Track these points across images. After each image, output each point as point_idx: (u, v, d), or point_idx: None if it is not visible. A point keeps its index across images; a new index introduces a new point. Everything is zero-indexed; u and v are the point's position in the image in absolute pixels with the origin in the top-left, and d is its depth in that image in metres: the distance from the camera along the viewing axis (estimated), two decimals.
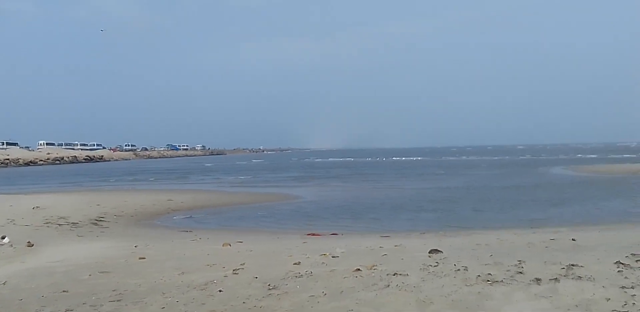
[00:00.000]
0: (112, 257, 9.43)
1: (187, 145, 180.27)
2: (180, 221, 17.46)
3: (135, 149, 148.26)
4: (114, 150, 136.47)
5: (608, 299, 5.27)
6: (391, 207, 20.10)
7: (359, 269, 7.05)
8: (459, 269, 6.80)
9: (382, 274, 6.74)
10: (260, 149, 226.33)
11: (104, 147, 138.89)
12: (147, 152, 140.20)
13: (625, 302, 5.17)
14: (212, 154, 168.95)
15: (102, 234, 13.69)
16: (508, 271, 6.59)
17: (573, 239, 9.76)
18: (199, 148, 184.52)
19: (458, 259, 7.58)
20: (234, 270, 7.49)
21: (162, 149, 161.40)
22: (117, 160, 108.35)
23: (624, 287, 5.64)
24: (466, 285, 6.01)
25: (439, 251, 8.37)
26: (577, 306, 5.13)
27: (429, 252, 8.27)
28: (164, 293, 6.47)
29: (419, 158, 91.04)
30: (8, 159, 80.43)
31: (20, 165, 79.54)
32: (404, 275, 6.62)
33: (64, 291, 6.76)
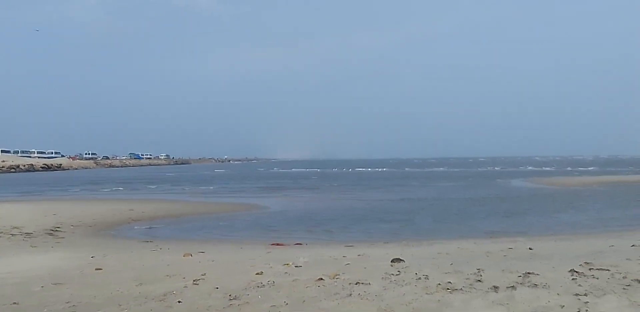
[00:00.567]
0: (67, 268, 9.10)
1: (150, 155, 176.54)
2: (140, 231, 17.03)
3: (96, 158, 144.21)
4: (74, 158, 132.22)
5: (562, 306, 5.42)
6: (355, 218, 20.20)
7: (321, 279, 7.03)
8: (420, 278, 6.87)
9: (344, 283, 6.74)
10: (225, 158, 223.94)
11: (62, 155, 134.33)
12: (109, 161, 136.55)
13: (578, 309, 5.33)
14: (176, 163, 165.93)
15: (58, 244, 13.20)
16: (467, 279, 6.70)
17: (530, 248, 10.04)
18: (162, 157, 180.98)
19: (419, 267, 7.67)
20: (194, 280, 7.34)
21: (124, 157, 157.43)
22: (76, 169, 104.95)
23: (578, 294, 5.81)
24: (427, 293, 6.08)
25: (401, 260, 8.46)
26: None
27: (392, 261, 8.34)
28: (120, 305, 6.27)
29: (384, 169, 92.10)
30: None
31: None
32: (366, 284, 6.64)
33: (14, 303, 6.47)
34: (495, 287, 6.20)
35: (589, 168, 78.11)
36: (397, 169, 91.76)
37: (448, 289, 6.23)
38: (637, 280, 6.30)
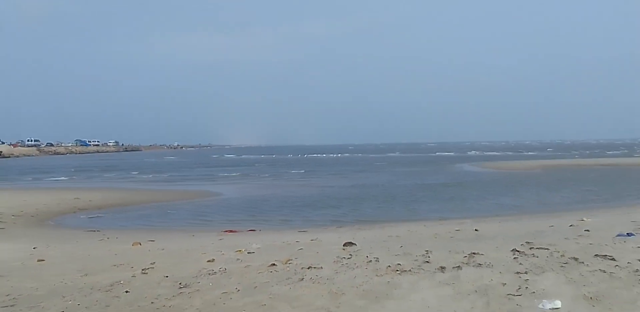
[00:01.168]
0: (7, 260, 8.68)
1: (98, 141, 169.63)
2: (87, 221, 16.45)
3: (39, 145, 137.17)
4: (15, 145, 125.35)
5: (504, 284, 5.66)
6: (309, 203, 20.30)
7: (274, 264, 7.03)
8: (370, 261, 6.99)
9: (296, 268, 6.77)
10: (178, 145, 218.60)
11: (2, 142, 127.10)
12: (53, 148, 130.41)
13: (519, 286, 5.58)
14: (126, 150, 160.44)
15: None
16: (416, 260, 6.88)
17: (476, 230, 10.42)
18: (111, 144, 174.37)
19: (370, 250, 7.80)
20: (142, 270, 7.17)
21: (70, 144, 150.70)
22: (18, 156, 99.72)
23: (519, 272, 6.08)
24: (377, 275, 6.19)
25: (353, 243, 8.58)
26: (476, 291, 5.47)
27: (343, 245, 8.45)
28: (64, 296, 6.05)
29: (339, 155, 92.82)
30: None
31: None
32: (318, 268, 6.70)
33: None
34: (442, 268, 6.40)
35: (531, 153, 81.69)
36: (351, 155, 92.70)
37: (397, 270, 6.37)
38: (574, 258, 6.65)
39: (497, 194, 22.06)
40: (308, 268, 6.71)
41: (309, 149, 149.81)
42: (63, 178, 38.77)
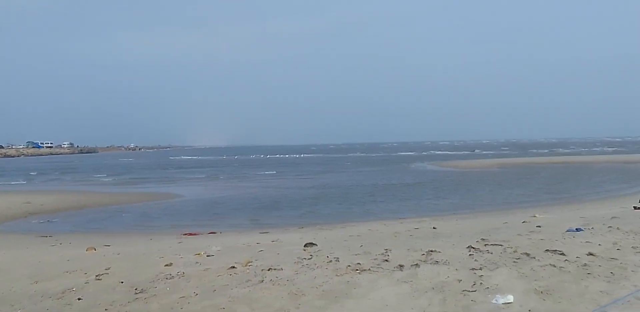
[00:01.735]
0: None
1: (51, 143, 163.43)
2: (38, 225, 15.81)
3: None
4: None
5: (460, 281, 5.80)
6: (271, 204, 20.21)
7: (233, 267, 6.96)
8: (331, 261, 7.02)
9: (257, 270, 6.72)
10: (136, 146, 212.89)
11: None
12: (3, 150, 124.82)
13: (474, 282, 5.73)
14: (81, 152, 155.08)
15: None
16: (375, 259, 6.95)
17: (434, 228, 10.64)
18: (65, 146, 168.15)
19: (331, 250, 7.83)
20: (97, 276, 6.95)
21: (21, 146, 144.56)
22: None
23: (474, 268, 6.24)
24: (337, 275, 6.22)
25: (313, 244, 8.58)
26: (433, 288, 5.58)
27: (304, 246, 8.44)
28: (12, 305, 5.80)
29: (302, 155, 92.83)
30: None
31: None
32: (279, 269, 6.67)
33: None
34: (401, 266, 6.50)
35: (488, 152, 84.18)
36: (314, 155, 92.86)
37: (357, 270, 6.42)
38: (526, 253, 6.88)
39: (455, 193, 22.60)
40: (268, 270, 6.67)
41: (272, 149, 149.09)
42: (15, 182, 37.10)
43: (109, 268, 7.43)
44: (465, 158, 60.25)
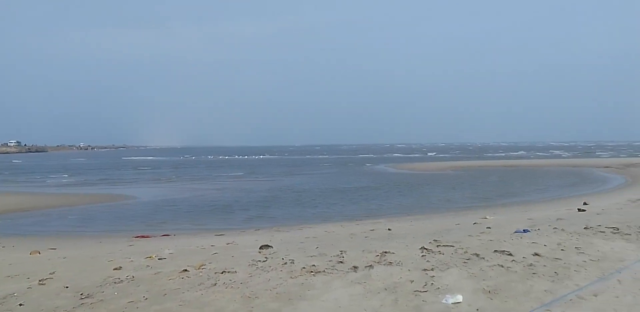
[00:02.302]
0: None
1: None
2: None
3: None
4: None
5: (412, 281, 5.90)
6: (227, 206, 19.96)
7: (186, 270, 6.81)
8: (286, 263, 6.99)
9: (210, 273, 6.61)
10: (89, 146, 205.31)
11: None
12: None
13: (425, 282, 5.84)
14: (29, 151, 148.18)
15: None
16: (330, 261, 6.97)
17: (389, 229, 10.79)
18: (12, 144, 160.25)
19: (287, 252, 7.80)
20: (40, 280, 6.64)
21: None
22: None
23: (426, 269, 6.36)
24: (291, 277, 6.20)
25: (269, 246, 8.53)
26: (386, 289, 5.65)
27: (260, 248, 8.38)
28: None
29: (261, 156, 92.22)
30: None
31: None
32: (232, 272, 6.58)
33: None
34: (355, 267, 6.54)
35: (447, 155, 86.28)
36: (275, 156, 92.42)
37: (312, 272, 6.42)
38: (476, 254, 7.08)
39: (410, 195, 23.02)
40: (222, 273, 6.57)
41: (230, 150, 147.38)
42: None
43: (53, 272, 7.13)
44: (421, 161, 61.52)
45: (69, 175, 42.40)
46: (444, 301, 5.14)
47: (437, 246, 7.79)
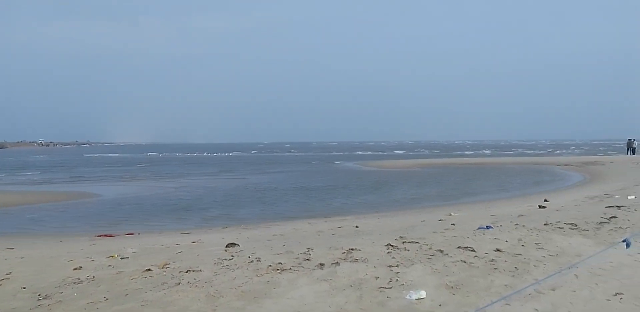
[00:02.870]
0: None
1: None
2: None
3: None
4: None
5: (377, 278, 5.96)
6: (195, 204, 19.69)
7: (149, 269, 6.69)
8: (252, 261, 6.95)
9: (174, 272, 6.51)
10: (51, 142, 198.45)
11: None
12: None
13: (390, 279, 5.91)
14: None
15: None
16: (297, 258, 6.97)
17: (356, 226, 10.86)
18: None
19: (253, 250, 7.76)
20: None
21: None
22: None
23: (391, 266, 6.44)
24: (257, 275, 6.17)
25: (235, 244, 8.47)
26: (351, 286, 5.69)
27: (226, 246, 8.31)
28: None
29: (230, 154, 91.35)
30: None
31: None
32: (197, 271, 6.50)
33: None
34: (321, 265, 6.56)
35: (411, 153, 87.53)
36: (245, 153, 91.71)
37: (278, 269, 6.41)
38: (440, 250, 7.21)
39: (378, 192, 23.23)
40: (186, 272, 6.48)
41: (198, 147, 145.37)
42: None
43: (10, 273, 6.89)
44: (389, 158, 62.17)
45: (30, 172, 40.97)
46: (407, 297, 5.22)
47: (403, 242, 7.89)
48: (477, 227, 9.09)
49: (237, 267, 6.62)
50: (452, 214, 12.46)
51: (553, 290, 5.47)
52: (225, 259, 7.17)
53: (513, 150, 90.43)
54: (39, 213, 17.29)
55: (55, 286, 6.13)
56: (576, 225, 9.01)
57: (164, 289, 5.77)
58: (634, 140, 47.97)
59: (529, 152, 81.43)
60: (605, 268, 6.30)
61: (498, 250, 7.13)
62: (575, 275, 6.01)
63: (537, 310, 4.90)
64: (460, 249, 7.17)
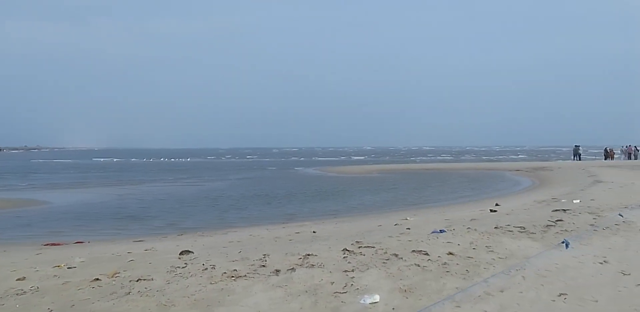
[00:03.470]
0: None
1: None
2: None
3: None
4: None
5: (332, 283, 5.97)
6: (148, 212, 19.19)
7: (97, 279, 6.45)
8: (206, 268, 6.83)
9: (124, 281, 6.30)
10: None
11: None
12: None
13: (345, 284, 5.94)
14: None
15: None
16: (252, 265, 6.90)
17: (314, 232, 10.86)
18: None
19: (208, 257, 7.62)
20: None
21: None
22: None
23: (347, 270, 6.47)
24: (211, 283, 6.06)
25: (190, 251, 8.30)
26: (306, 291, 5.67)
27: (180, 254, 8.12)
28: None
29: (188, 159, 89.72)
30: None
31: None
32: (149, 280, 6.33)
33: None
34: (277, 271, 6.52)
35: (367, 158, 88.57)
36: (203, 159, 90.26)
37: (233, 276, 6.32)
38: (395, 254, 7.31)
39: (337, 197, 23.36)
40: (137, 280, 6.29)
41: (155, 153, 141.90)
42: None
43: None
44: (349, 164, 62.69)
45: None
46: (361, 302, 5.26)
47: (359, 247, 7.96)
48: (431, 231, 9.28)
49: (191, 275, 6.49)
50: (408, 218, 12.67)
51: (502, 292, 5.64)
52: (179, 267, 7.01)
53: (467, 156, 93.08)
54: None
55: None
56: (524, 228, 9.35)
57: (112, 299, 5.58)
58: (580, 146, 50.44)
59: (483, 157, 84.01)
60: (551, 270, 6.56)
61: (451, 253, 7.30)
62: (523, 277, 6.22)
63: (486, 311, 5.04)
64: (415, 253, 7.29)
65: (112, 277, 6.56)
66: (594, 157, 56.95)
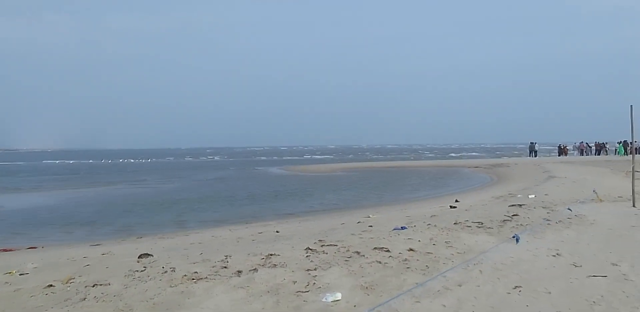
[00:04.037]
0: None
1: None
2: None
3: None
4: None
5: (295, 282, 5.96)
6: (108, 214, 18.66)
7: (51, 285, 6.22)
8: (166, 271, 6.69)
9: (79, 287, 6.10)
10: None
11: None
12: None
13: (308, 282, 5.94)
14: None
15: None
16: (214, 266, 6.80)
17: (277, 231, 10.82)
18: None
19: (168, 260, 7.47)
20: None
21: None
22: None
23: (309, 269, 6.48)
24: (170, 286, 5.95)
25: (149, 254, 8.11)
26: (268, 291, 5.64)
27: (139, 257, 7.92)
28: None
29: (151, 160, 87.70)
30: None
31: None
32: (105, 285, 6.14)
33: None
34: (239, 272, 6.46)
35: (330, 156, 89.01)
36: (163, 160, 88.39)
37: (193, 279, 6.21)
38: (357, 252, 7.37)
39: (301, 195, 23.36)
40: (93, 286, 6.10)
41: (114, 153, 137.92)
42: None
43: None
44: (312, 162, 62.78)
45: None
46: (323, 300, 5.28)
47: (322, 245, 7.98)
48: (392, 228, 9.40)
49: (150, 279, 6.34)
50: (371, 216, 12.81)
51: (460, 286, 5.78)
52: (137, 271, 6.83)
53: (428, 153, 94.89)
54: None
55: None
56: (482, 223, 9.61)
57: (67, 306, 5.39)
58: (536, 143, 52.22)
59: (443, 154, 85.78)
60: (507, 263, 6.77)
61: (411, 249, 7.42)
62: (480, 271, 6.39)
63: (444, 305, 5.15)
64: (376, 250, 7.37)
65: (67, 283, 6.34)
66: (548, 154, 59.04)
